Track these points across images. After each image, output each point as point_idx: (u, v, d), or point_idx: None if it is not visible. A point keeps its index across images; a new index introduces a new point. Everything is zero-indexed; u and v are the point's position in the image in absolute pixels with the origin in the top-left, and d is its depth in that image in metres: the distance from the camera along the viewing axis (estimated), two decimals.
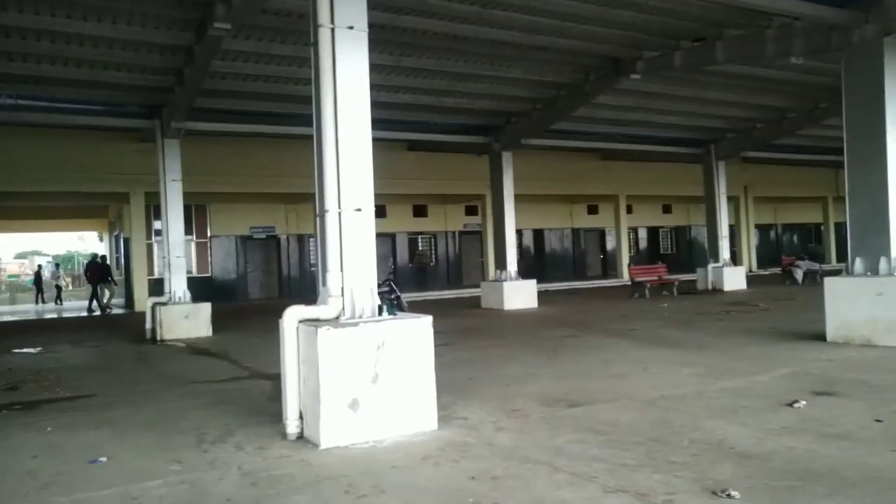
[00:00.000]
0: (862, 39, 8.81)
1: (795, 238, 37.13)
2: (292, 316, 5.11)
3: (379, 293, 5.50)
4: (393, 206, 24.04)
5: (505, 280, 16.62)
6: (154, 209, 18.51)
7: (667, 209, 32.31)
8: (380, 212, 5.75)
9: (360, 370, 4.92)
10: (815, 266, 21.83)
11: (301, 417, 5.02)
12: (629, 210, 28.38)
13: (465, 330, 11.97)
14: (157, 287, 16.90)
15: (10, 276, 49.65)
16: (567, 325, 12.40)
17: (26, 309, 26.44)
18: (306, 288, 23.03)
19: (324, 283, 5.33)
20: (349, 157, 5.29)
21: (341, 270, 5.22)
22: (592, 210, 30.27)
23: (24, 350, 11.45)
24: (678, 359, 8.08)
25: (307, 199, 19.73)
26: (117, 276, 22.62)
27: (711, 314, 13.21)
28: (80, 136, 16.49)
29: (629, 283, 19.49)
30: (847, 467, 3.97)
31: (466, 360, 8.59)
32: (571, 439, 4.78)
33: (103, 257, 23.58)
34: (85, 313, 20.64)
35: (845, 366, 7.21)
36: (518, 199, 17.21)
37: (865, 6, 8.73)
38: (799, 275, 21.18)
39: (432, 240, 27.28)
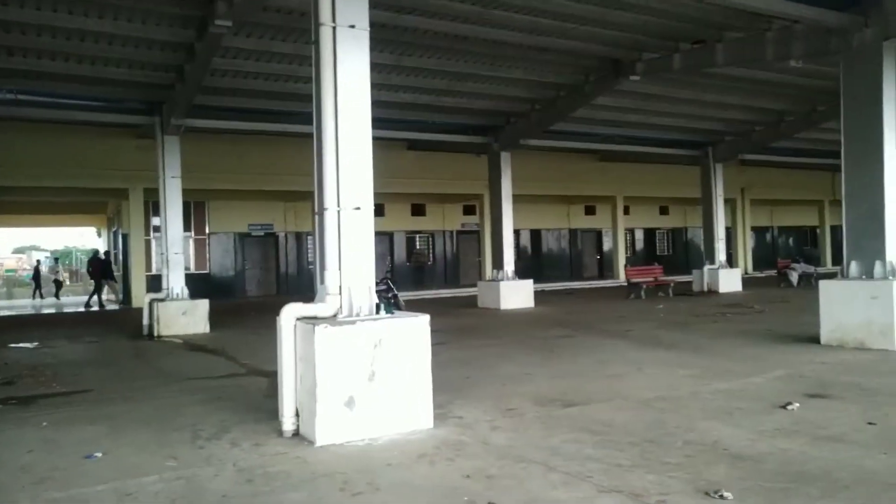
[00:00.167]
0: (861, 43, 8.84)
1: (791, 241, 37.22)
2: (290, 313, 5.13)
3: (376, 292, 5.51)
4: (391, 205, 24.04)
5: (502, 280, 16.65)
6: (153, 205, 18.49)
7: (664, 211, 32.35)
8: (378, 210, 5.76)
9: (357, 368, 4.93)
10: (811, 269, 21.89)
11: (297, 415, 5.04)
12: (626, 211, 28.45)
13: (462, 329, 11.99)
14: (154, 283, 16.90)
15: (7, 271, 49.54)
16: (563, 325, 12.43)
17: (24, 304, 26.39)
18: (304, 285, 23.03)
19: (322, 281, 5.34)
20: (349, 155, 5.30)
21: (339, 269, 5.24)
22: (590, 211, 30.31)
23: (21, 345, 11.45)
24: (673, 360, 8.11)
25: (306, 196, 19.74)
26: (115, 271, 22.60)
27: (707, 316, 13.25)
28: (80, 131, 16.48)
29: (625, 284, 19.53)
30: (840, 469, 4.00)
31: (463, 359, 8.61)
32: (566, 439, 4.80)
33: (106, 253, 23.48)
34: (82, 309, 20.64)
35: (839, 369, 7.24)
36: (516, 199, 17.26)
37: (865, 10, 8.77)
38: (794, 277, 21.23)
39: (430, 239, 27.30)
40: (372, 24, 5.44)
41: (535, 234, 29.58)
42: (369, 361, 4.98)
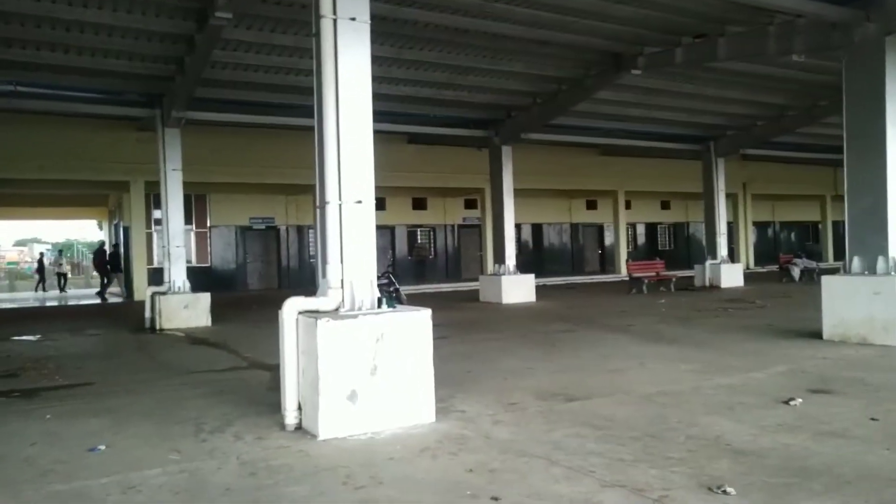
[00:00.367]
0: (863, 38, 8.80)
1: (793, 236, 37.21)
2: (292, 307, 5.12)
3: (378, 285, 5.51)
4: (392, 199, 24.03)
5: (503, 274, 16.65)
6: (154, 198, 18.48)
7: (665, 205, 32.33)
8: (379, 204, 5.75)
9: (359, 362, 4.93)
10: (812, 264, 21.90)
11: (300, 408, 5.04)
12: (628, 206, 28.39)
13: (463, 323, 12.00)
14: (156, 276, 16.90)
15: (9, 264, 49.56)
16: (565, 319, 12.43)
17: (26, 296, 26.40)
18: (305, 279, 23.04)
19: (323, 275, 5.33)
20: (350, 148, 5.29)
21: (341, 262, 5.23)
22: (591, 205, 30.30)
23: (24, 337, 11.46)
24: (675, 355, 8.11)
25: (307, 190, 19.71)
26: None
27: (708, 311, 13.25)
28: (80, 123, 16.42)
29: (627, 278, 19.53)
30: (842, 465, 4.00)
31: (464, 353, 8.61)
32: (568, 433, 4.80)
33: (115, 245, 23.37)
34: (98, 301, 20.89)
35: (841, 364, 7.24)
36: (517, 193, 17.23)
37: (867, 5, 8.72)
38: (796, 273, 21.24)
39: (431, 233, 27.29)
40: (372, 17, 5.42)
41: (537, 229, 29.57)
42: (371, 355, 4.97)
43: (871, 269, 8.58)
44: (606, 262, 30.32)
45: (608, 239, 30.78)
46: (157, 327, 12.31)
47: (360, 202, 5.30)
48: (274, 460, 4.36)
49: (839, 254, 20.78)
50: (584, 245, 30.98)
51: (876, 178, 8.63)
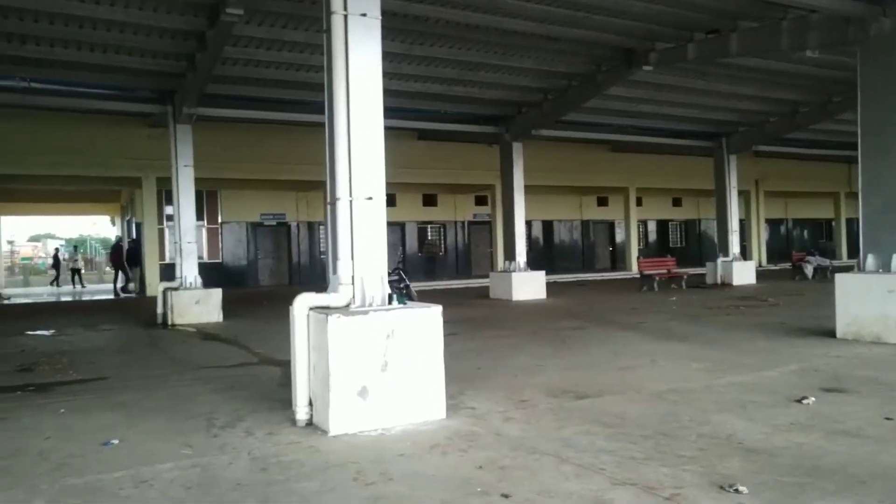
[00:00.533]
0: (879, 33, 8.70)
1: (806, 233, 36.90)
2: (303, 303, 5.13)
3: (388, 282, 5.51)
4: (402, 195, 24.04)
5: (514, 271, 16.62)
6: (166, 194, 18.60)
7: (677, 202, 32.15)
8: (390, 201, 5.75)
9: (370, 358, 4.94)
10: (826, 262, 21.73)
11: (310, 404, 5.05)
12: (639, 202, 28.28)
13: (474, 320, 11.99)
14: (168, 272, 17.01)
15: (23, 259, 50.01)
16: (575, 316, 12.40)
17: (40, 291, 26.63)
18: (316, 275, 23.11)
19: (334, 271, 5.34)
20: (361, 145, 5.29)
21: (352, 258, 5.23)
22: (602, 202, 30.18)
23: (38, 332, 11.57)
24: (686, 353, 8.07)
25: (318, 186, 19.79)
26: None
27: (720, 308, 13.17)
28: (93, 120, 16.56)
29: (638, 275, 19.45)
30: (856, 464, 3.96)
31: (475, 350, 8.61)
32: (579, 431, 4.79)
33: (133, 241, 23.30)
34: (125, 295, 21.14)
35: (855, 362, 7.18)
36: (528, 189, 17.19)
37: None
38: (809, 270, 21.08)
39: (442, 229, 27.29)
40: (383, 13, 5.41)
41: (548, 225, 29.49)
42: (382, 352, 4.98)
43: (885, 267, 8.49)
44: (617, 259, 30.21)
45: (619, 236, 30.66)
46: (169, 323, 12.39)
47: (370, 198, 5.30)
48: (285, 456, 4.37)
49: (853, 251, 20.56)
50: (594, 242, 30.87)
51: (891, 175, 8.53)
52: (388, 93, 5.61)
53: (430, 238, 27.09)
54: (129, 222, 25.60)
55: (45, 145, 16.95)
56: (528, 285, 16.46)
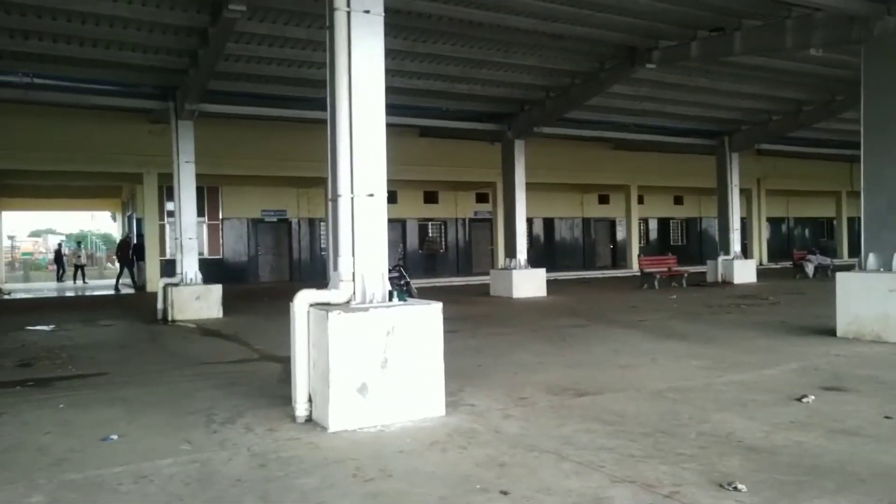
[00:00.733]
0: (883, 31, 8.67)
1: (807, 232, 36.87)
2: (303, 300, 5.14)
3: (389, 279, 5.51)
4: (404, 192, 24.04)
5: (514, 268, 16.62)
6: (167, 190, 18.60)
7: (678, 200, 32.14)
8: (391, 198, 5.74)
9: (370, 355, 4.94)
10: (827, 261, 21.70)
11: (310, 400, 5.05)
12: (640, 200, 28.25)
13: (474, 317, 11.99)
14: (168, 268, 17.02)
15: (24, 254, 50.08)
16: (576, 314, 12.40)
17: (40, 287, 26.66)
18: (317, 272, 23.11)
19: (335, 268, 5.34)
20: (363, 141, 5.28)
21: (353, 255, 5.23)
22: (603, 200, 30.16)
23: (38, 327, 11.58)
24: (686, 351, 8.07)
25: (319, 183, 19.79)
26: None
27: (721, 307, 13.16)
28: (95, 115, 16.55)
29: (639, 273, 19.44)
30: (856, 463, 3.96)
31: (475, 347, 8.61)
32: (579, 428, 4.79)
33: (139, 237, 23.31)
34: (131, 290, 21.13)
35: (855, 361, 7.18)
36: (529, 187, 17.18)
37: None
38: (810, 269, 21.06)
39: (442, 226, 27.28)
40: (386, 10, 5.39)
41: (549, 223, 29.48)
42: (382, 348, 4.98)
43: (886, 266, 8.48)
44: (618, 257, 30.19)
45: (620, 234, 30.64)
46: (170, 318, 12.39)
47: (371, 195, 5.30)
48: (284, 452, 4.37)
49: (854, 250, 20.56)
50: (595, 240, 30.86)
51: (893, 174, 8.52)
52: (390, 90, 5.60)
53: (430, 235, 27.10)
54: (130, 218, 25.59)
55: (47, 141, 16.95)
56: (529, 283, 16.46)
